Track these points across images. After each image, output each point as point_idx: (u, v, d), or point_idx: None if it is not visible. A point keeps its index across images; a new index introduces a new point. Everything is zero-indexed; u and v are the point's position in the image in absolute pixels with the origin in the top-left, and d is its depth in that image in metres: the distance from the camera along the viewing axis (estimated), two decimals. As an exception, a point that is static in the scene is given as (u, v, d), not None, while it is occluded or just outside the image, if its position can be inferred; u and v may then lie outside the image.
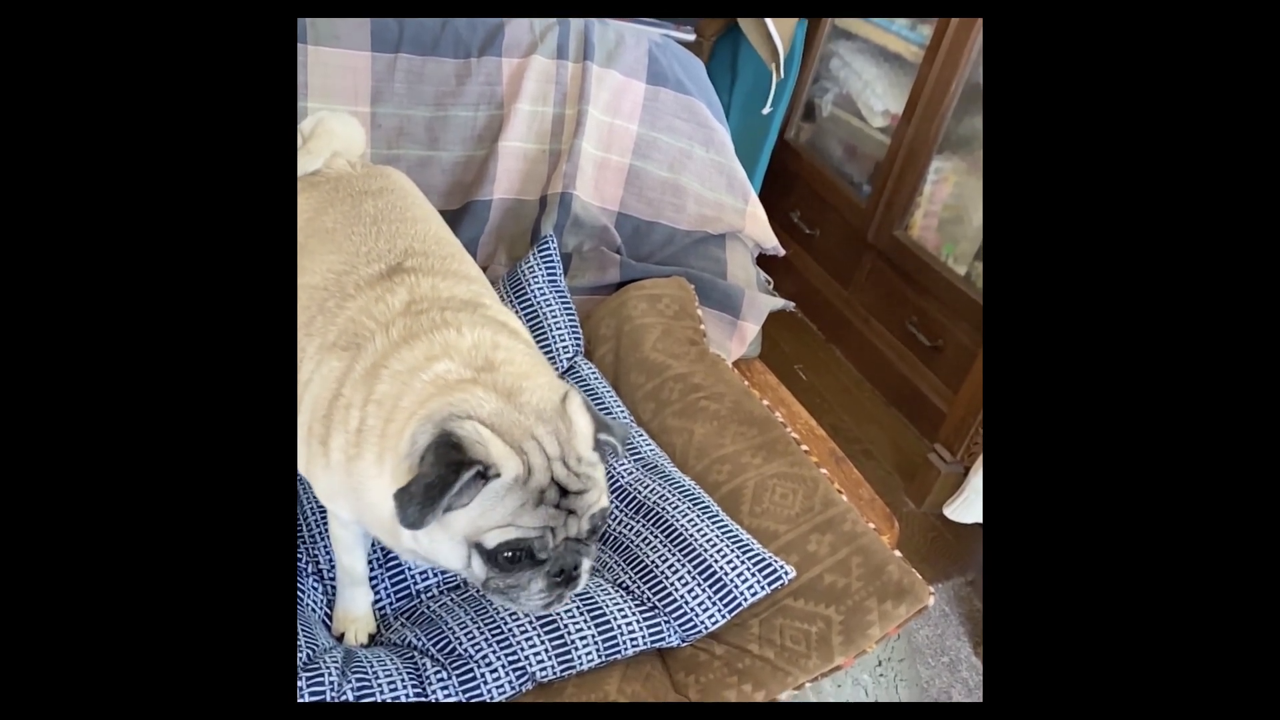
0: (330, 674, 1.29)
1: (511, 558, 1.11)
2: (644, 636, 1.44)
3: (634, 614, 1.45)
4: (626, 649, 1.43)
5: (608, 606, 1.45)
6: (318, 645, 1.37)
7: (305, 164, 1.54)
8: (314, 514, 1.59)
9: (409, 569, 1.56)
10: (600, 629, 1.42)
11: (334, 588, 1.51)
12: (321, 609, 1.51)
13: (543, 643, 1.39)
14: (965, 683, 2.25)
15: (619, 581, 1.52)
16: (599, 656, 1.41)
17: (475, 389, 1.14)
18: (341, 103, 2.01)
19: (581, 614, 1.43)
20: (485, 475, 1.08)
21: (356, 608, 1.48)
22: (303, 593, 1.50)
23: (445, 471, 1.05)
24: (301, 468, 1.29)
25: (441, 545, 1.12)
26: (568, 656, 1.39)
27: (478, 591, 1.51)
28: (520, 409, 1.13)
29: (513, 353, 1.24)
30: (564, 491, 1.12)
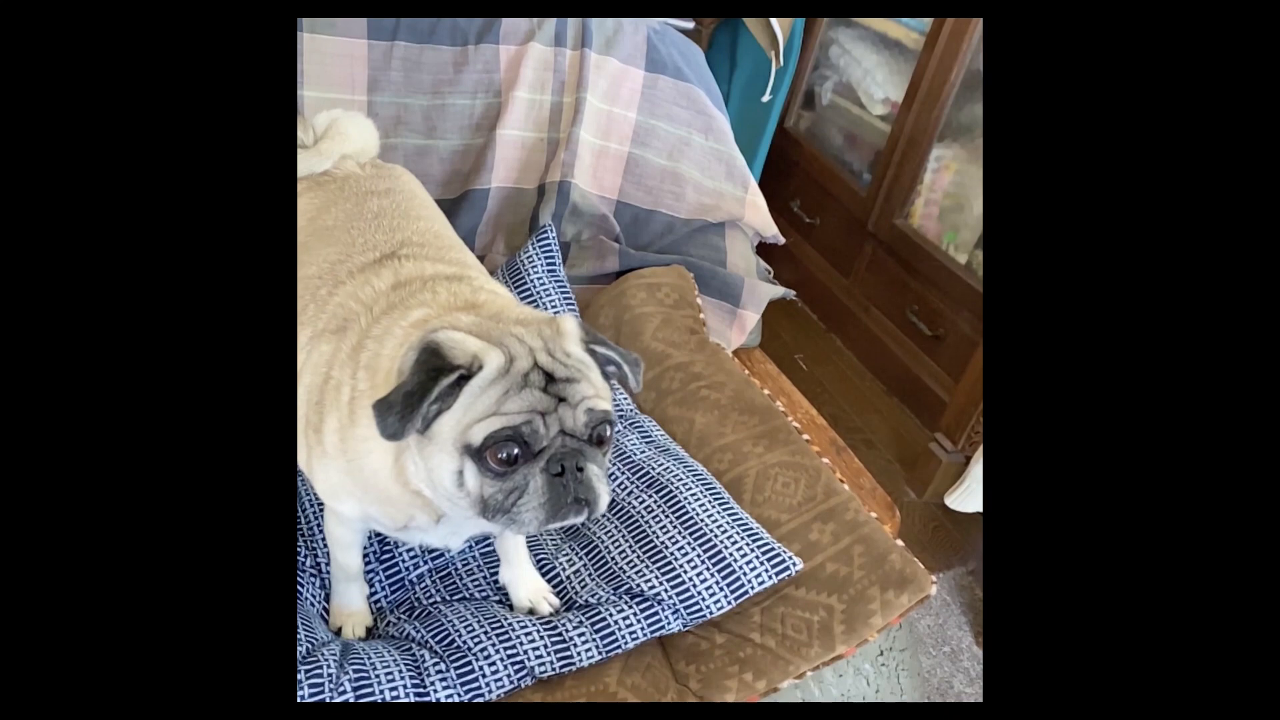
0: (328, 666, 1.29)
1: (505, 459, 1.05)
2: (642, 629, 1.44)
3: (630, 607, 1.45)
4: (626, 643, 1.42)
5: (603, 607, 1.45)
6: (316, 639, 1.36)
7: (314, 164, 1.53)
8: (312, 508, 1.59)
9: (402, 561, 1.56)
10: (597, 628, 1.42)
11: (325, 568, 1.51)
12: (319, 603, 1.50)
13: (542, 639, 1.39)
14: (967, 672, 2.25)
15: (625, 559, 1.51)
16: (599, 653, 1.41)
17: (458, 314, 1.15)
18: (338, 91, 2.00)
19: (576, 613, 1.44)
20: (469, 374, 1.05)
21: (352, 603, 1.47)
22: (301, 587, 1.49)
23: (424, 378, 1.03)
24: (302, 463, 1.28)
25: (434, 460, 1.07)
26: (567, 654, 1.39)
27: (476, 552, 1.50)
28: (501, 322, 1.13)
29: (496, 297, 1.25)
30: (551, 378, 1.08)
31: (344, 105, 2.00)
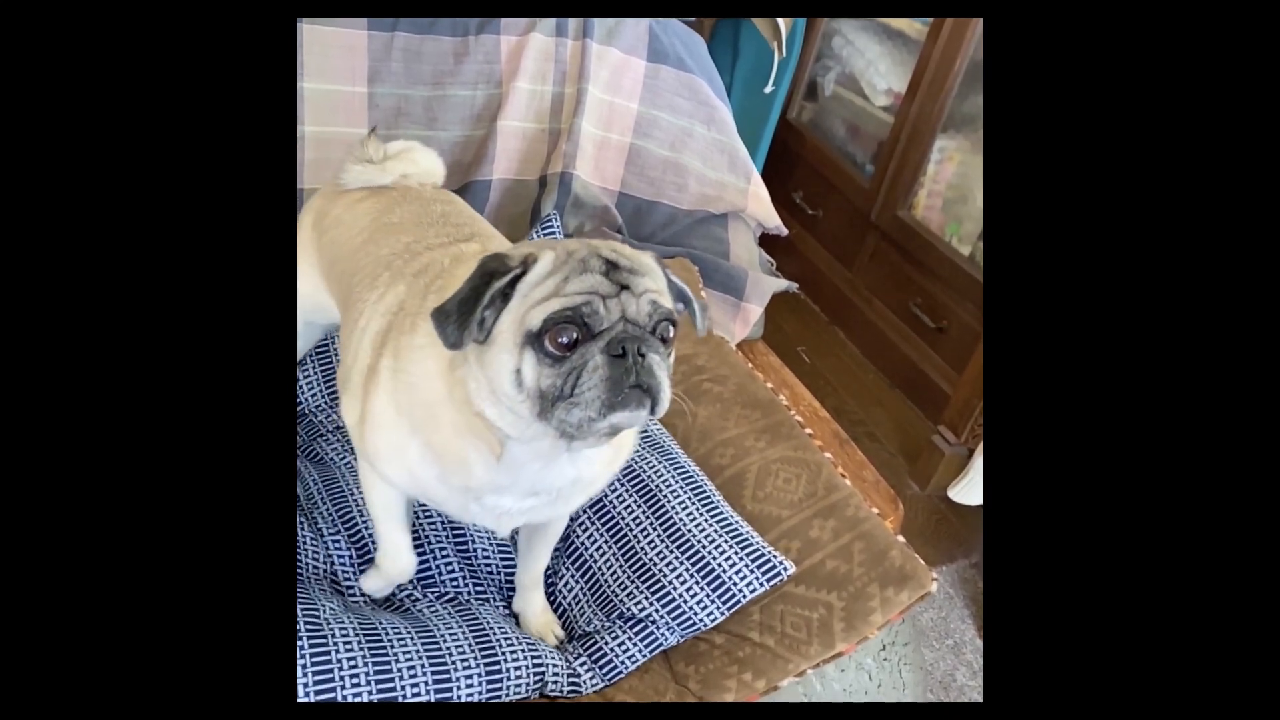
0: (338, 651, 1.27)
1: (565, 343, 1.00)
2: (640, 650, 1.44)
3: (624, 632, 1.46)
4: (627, 668, 1.43)
5: (599, 636, 1.46)
6: (319, 616, 1.33)
7: (375, 177, 1.53)
8: (315, 485, 1.59)
9: (423, 532, 1.55)
10: (595, 659, 1.43)
11: (333, 543, 1.50)
12: (325, 568, 1.49)
13: (561, 660, 1.40)
14: (970, 665, 2.24)
15: (616, 580, 1.51)
16: (602, 681, 1.42)
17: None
18: (338, 83, 1.99)
19: (576, 644, 1.46)
20: (525, 269, 1.03)
21: (401, 563, 1.42)
22: (303, 553, 1.48)
23: (478, 282, 1.02)
24: (353, 421, 1.25)
25: (494, 365, 1.03)
26: (576, 681, 1.40)
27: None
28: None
29: None
30: (614, 266, 1.04)
31: (344, 97, 1.99)
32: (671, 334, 1.07)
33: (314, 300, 1.52)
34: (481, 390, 1.06)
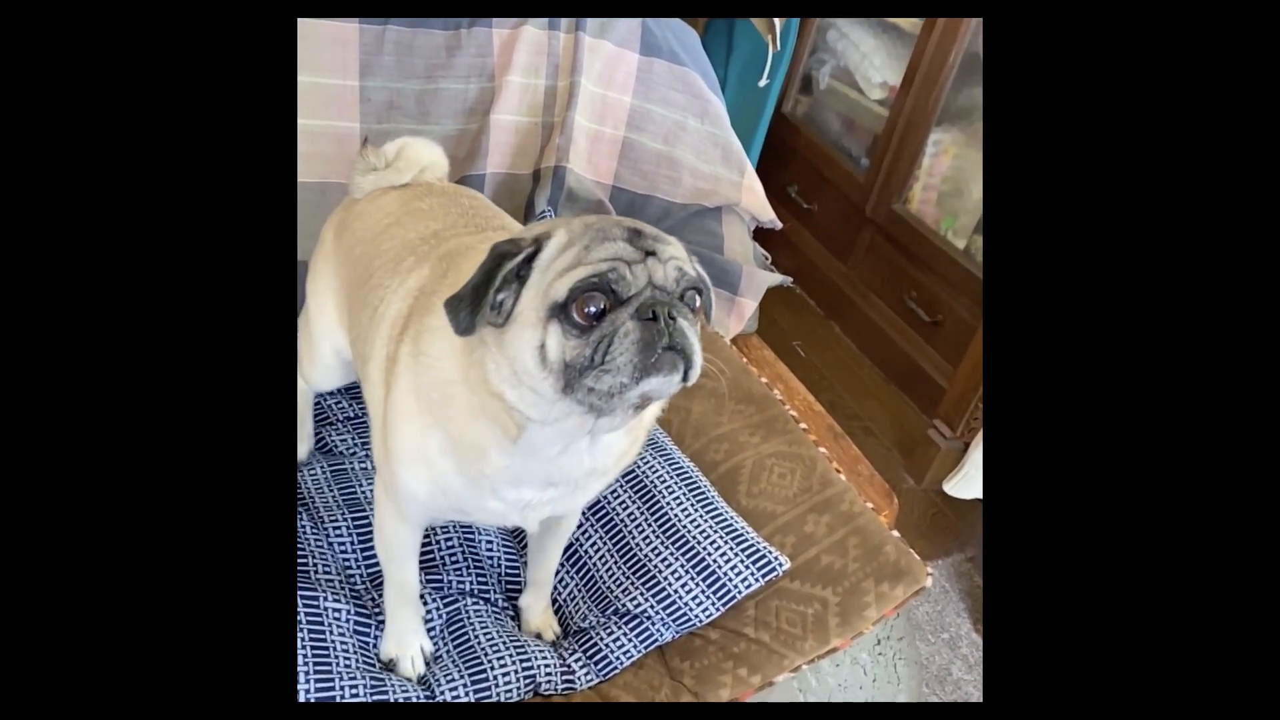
0: (335, 651, 1.26)
1: (592, 313, 0.96)
2: (635, 646, 1.44)
3: (619, 628, 1.45)
4: (621, 663, 1.43)
5: (594, 632, 1.46)
6: (319, 605, 1.34)
7: (393, 179, 1.51)
8: (322, 473, 1.59)
9: (434, 536, 1.54)
10: (590, 654, 1.43)
11: (334, 529, 1.49)
12: (324, 557, 1.48)
13: (553, 658, 1.39)
14: (965, 659, 2.24)
15: (612, 577, 1.51)
16: (597, 677, 1.42)
17: None
18: (330, 76, 1.97)
19: (571, 640, 1.46)
20: (539, 246, 1.00)
21: (409, 631, 1.39)
22: (303, 546, 1.47)
23: (490, 265, 0.99)
24: (377, 428, 1.23)
25: (515, 344, 1.00)
26: (570, 677, 1.40)
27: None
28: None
29: None
30: (638, 234, 1.01)
31: (336, 91, 1.98)
32: (698, 303, 1.03)
33: (342, 322, 1.46)
34: (501, 371, 1.02)
